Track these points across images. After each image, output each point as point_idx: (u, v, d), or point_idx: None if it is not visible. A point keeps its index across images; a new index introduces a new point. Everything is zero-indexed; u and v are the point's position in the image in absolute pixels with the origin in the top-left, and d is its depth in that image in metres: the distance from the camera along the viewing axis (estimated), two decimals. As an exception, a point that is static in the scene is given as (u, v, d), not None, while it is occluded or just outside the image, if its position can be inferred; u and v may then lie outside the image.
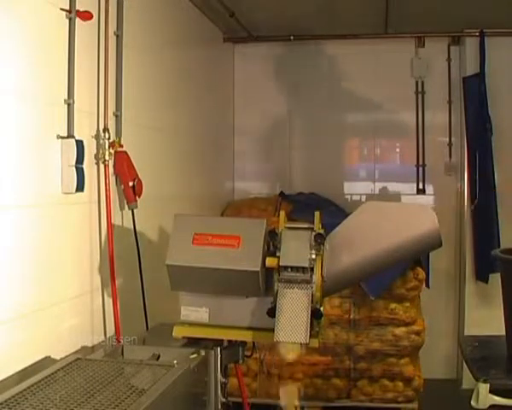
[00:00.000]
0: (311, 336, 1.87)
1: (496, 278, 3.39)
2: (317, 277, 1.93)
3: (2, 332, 1.93)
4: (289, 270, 1.92)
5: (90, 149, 2.41)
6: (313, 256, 1.93)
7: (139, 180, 2.70)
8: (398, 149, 5.06)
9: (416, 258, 3.77)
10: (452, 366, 4.63)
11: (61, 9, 2.22)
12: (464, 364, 2.93)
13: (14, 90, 1.99)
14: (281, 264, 1.92)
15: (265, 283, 1.97)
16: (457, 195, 4.71)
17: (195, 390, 1.99)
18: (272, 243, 1.97)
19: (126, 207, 2.71)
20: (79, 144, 2.25)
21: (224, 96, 4.79)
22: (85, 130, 2.40)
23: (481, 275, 4.40)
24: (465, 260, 4.55)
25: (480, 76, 4.42)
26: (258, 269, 1.93)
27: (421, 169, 4.78)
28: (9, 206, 1.97)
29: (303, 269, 1.92)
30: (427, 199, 4.78)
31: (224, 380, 2.13)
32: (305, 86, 4.86)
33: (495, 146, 4.40)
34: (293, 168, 4.95)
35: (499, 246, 4.17)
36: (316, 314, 1.91)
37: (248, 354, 2.25)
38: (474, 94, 4.45)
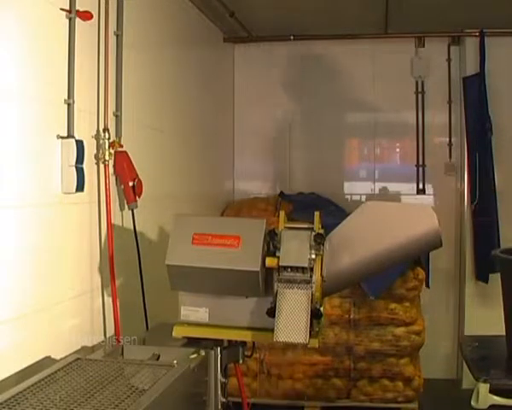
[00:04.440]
0: (310, 336, 1.87)
1: (496, 278, 3.39)
2: (316, 277, 1.93)
3: (2, 332, 1.93)
4: (289, 270, 1.92)
5: (90, 149, 2.41)
6: (313, 256, 1.93)
7: (139, 180, 2.70)
8: (398, 149, 5.06)
9: (416, 258, 3.77)
10: (452, 366, 4.63)
11: (61, 9, 2.22)
12: (464, 364, 2.94)
13: (15, 90, 1.99)
14: (280, 264, 1.92)
15: (265, 283, 1.97)
16: (457, 195, 4.71)
17: (195, 390, 1.99)
18: (272, 243, 1.97)
19: (126, 207, 2.72)
20: (79, 144, 2.26)
21: (224, 96, 4.80)
22: (85, 130, 2.40)
23: (481, 275, 4.39)
24: (465, 260, 4.55)
25: (480, 76, 4.42)
26: (258, 269, 1.93)
27: (421, 169, 4.78)
28: (9, 206, 1.97)
29: (303, 269, 1.91)
30: (427, 199, 4.78)
31: (224, 380, 2.13)
32: (305, 86, 4.86)
33: (495, 146, 4.40)
34: (293, 168, 4.95)
35: (499, 246, 4.17)
36: (315, 314, 1.91)
37: (248, 354, 2.25)
38: (474, 94, 4.45)
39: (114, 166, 2.61)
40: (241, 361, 2.22)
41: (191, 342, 2.10)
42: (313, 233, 1.96)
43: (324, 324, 2.92)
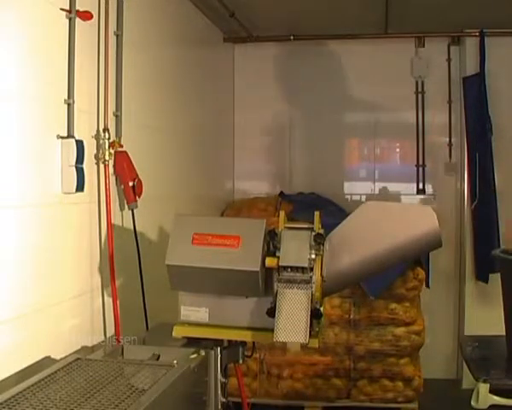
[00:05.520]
0: (310, 336, 1.87)
1: (496, 278, 3.39)
2: (316, 277, 1.93)
3: (2, 332, 1.93)
4: (289, 270, 1.92)
5: (90, 149, 2.41)
6: (313, 256, 1.93)
7: (139, 180, 2.70)
8: (398, 149, 5.06)
9: (416, 258, 3.77)
10: (452, 366, 4.63)
11: (61, 9, 2.23)
12: (464, 364, 2.94)
13: (15, 90, 1.99)
14: (280, 264, 1.92)
15: (265, 283, 1.97)
16: (457, 195, 4.71)
17: (195, 390, 1.99)
18: (272, 243, 1.97)
19: (126, 207, 2.72)
20: (79, 144, 2.26)
21: (224, 96, 4.80)
22: (85, 130, 2.40)
23: (481, 275, 4.39)
24: (465, 260, 4.55)
25: (480, 76, 4.42)
26: (258, 269, 1.93)
27: (421, 169, 4.78)
28: (9, 206, 1.98)
29: (302, 269, 1.91)
30: (427, 199, 4.78)
31: (224, 380, 2.13)
32: (305, 86, 4.86)
33: (495, 146, 4.40)
34: (293, 168, 4.95)
35: (499, 246, 4.17)
36: (315, 314, 1.91)
37: (248, 354, 2.25)
38: (474, 94, 4.45)
39: (114, 166, 2.61)
40: (241, 361, 2.22)
41: (191, 342, 2.09)
42: (313, 233, 1.96)
43: (324, 324, 2.92)
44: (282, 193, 4.75)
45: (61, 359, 2.01)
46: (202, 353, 2.03)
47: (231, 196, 4.92)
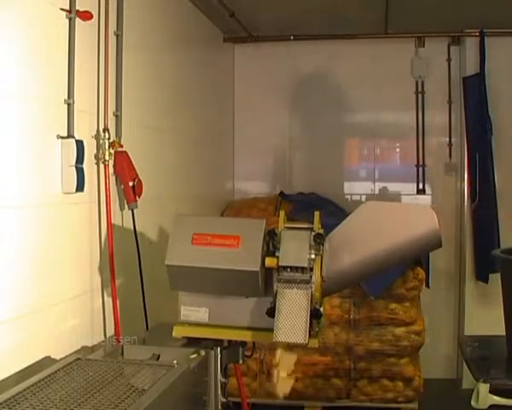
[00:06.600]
0: (310, 336, 1.87)
1: (496, 278, 3.39)
2: (316, 277, 1.93)
3: (2, 332, 1.93)
4: (288, 270, 1.92)
5: (90, 149, 2.41)
6: (312, 256, 1.93)
7: (139, 180, 2.70)
8: (398, 149, 5.06)
9: (416, 258, 3.77)
10: (452, 366, 4.63)
11: (61, 9, 2.23)
12: (464, 364, 2.94)
13: (15, 90, 1.99)
14: (280, 264, 1.92)
15: (265, 283, 1.97)
16: (457, 195, 4.71)
17: (195, 390, 1.99)
18: (272, 242, 1.97)
19: (126, 207, 2.72)
20: (79, 144, 2.26)
21: (224, 96, 4.80)
22: (85, 130, 2.40)
23: (481, 275, 4.40)
24: (465, 260, 4.55)
25: (480, 76, 4.42)
26: (258, 269, 1.93)
27: (421, 169, 4.78)
28: (10, 206, 1.98)
29: (302, 269, 1.91)
30: (427, 199, 4.78)
31: (224, 380, 2.13)
32: (305, 86, 4.86)
33: (495, 146, 4.40)
34: (293, 168, 4.96)
35: (499, 246, 4.17)
36: (315, 314, 1.91)
37: (248, 354, 2.25)
38: (474, 94, 4.45)
39: (114, 166, 2.61)
40: (241, 361, 2.22)
41: (191, 342, 2.10)
42: (313, 233, 1.96)
43: (324, 324, 2.91)
44: (282, 193, 4.75)
45: (61, 359, 2.01)
46: (202, 353, 2.03)
47: (231, 196, 4.92)
